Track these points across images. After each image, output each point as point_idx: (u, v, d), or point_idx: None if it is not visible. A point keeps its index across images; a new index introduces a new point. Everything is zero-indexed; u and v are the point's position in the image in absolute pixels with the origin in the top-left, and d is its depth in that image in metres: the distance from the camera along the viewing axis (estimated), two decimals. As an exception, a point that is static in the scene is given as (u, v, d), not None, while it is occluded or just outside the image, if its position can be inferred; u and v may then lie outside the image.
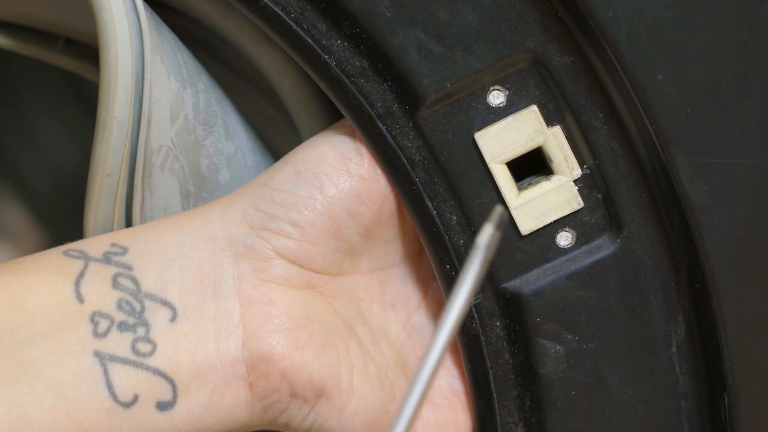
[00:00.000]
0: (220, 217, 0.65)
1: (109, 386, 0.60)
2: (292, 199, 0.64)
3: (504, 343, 0.65)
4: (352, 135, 0.64)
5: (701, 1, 0.60)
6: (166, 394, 0.61)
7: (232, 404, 0.63)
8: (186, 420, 0.62)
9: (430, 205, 0.64)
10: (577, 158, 0.63)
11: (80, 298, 0.62)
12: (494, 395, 0.65)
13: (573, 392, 0.65)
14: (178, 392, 0.62)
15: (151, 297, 0.62)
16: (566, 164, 0.63)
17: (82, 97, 1.10)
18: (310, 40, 0.62)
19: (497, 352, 0.65)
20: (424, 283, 0.68)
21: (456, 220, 0.64)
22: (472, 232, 0.64)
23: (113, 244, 0.64)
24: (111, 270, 0.63)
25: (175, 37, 0.69)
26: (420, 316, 0.68)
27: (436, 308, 0.68)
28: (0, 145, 1.13)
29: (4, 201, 1.14)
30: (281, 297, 0.64)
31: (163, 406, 0.61)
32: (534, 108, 0.62)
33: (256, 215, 0.64)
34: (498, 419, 0.65)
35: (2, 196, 1.14)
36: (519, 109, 0.62)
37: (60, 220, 1.14)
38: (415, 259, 0.68)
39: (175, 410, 0.62)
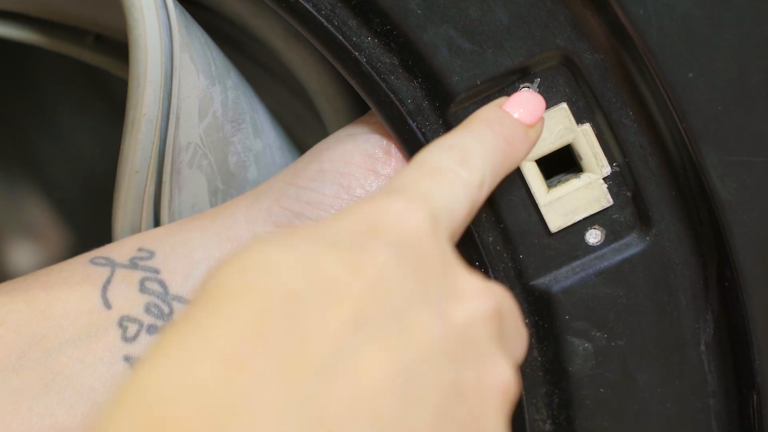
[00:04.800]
0: (245, 216, 0.64)
1: None
2: (319, 197, 0.63)
3: (533, 340, 0.65)
4: (379, 132, 0.64)
5: (731, -2, 0.60)
6: None
7: None
8: None
9: (459, 202, 0.64)
10: (606, 156, 0.63)
11: (107, 305, 0.62)
12: (522, 392, 0.65)
13: (601, 390, 0.65)
14: None
15: (179, 299, 0.62)
16: (596, 162, 0.63)
17: (108, 95, 1.11)
18: (340, 37, 0.62)
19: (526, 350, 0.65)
20: None
21: (485, 217, 0.64)
22: (502, 229, 0.64)
23: (140, 249, 0.64)
24: (138, 275, 0.63)
25: (205, 35, 0.69)
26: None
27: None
28: (26, 143, 1.13)
29: (29, 198, 1.14)
30: None
31: None
32: (564, 105, 0.62)
33: (282, 213, 0.64)
34: (526, 416, 0.65)
35: (28, 193, 1.14)
36: (549, 107, 0.62)
37: (85, 217, 1.14)
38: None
39: None
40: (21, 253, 1.13)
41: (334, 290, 0.44)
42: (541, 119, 0.61)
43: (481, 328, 0.47)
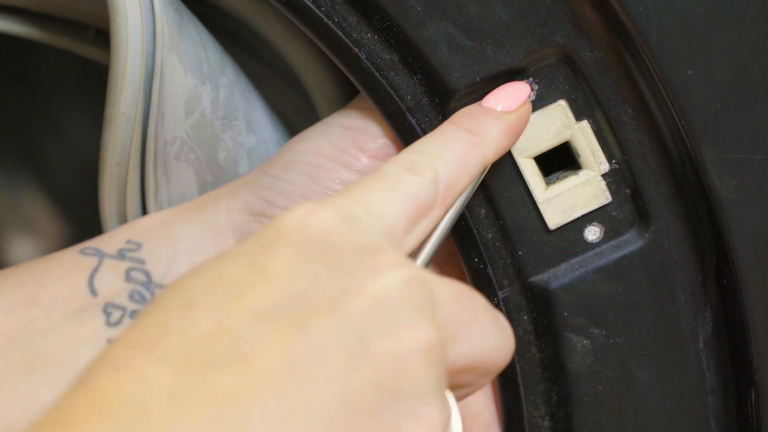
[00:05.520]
0: (226, 206, 0.66)
1: None
2: (289, 187, 0.64)
3: (531, 337, 0.65)
4: (353, 127, 0.64)
5: (731, -4, 0.60)
6: None
7: None
8: None
9: (458, 198, 0.64)
10: (605, 153, 0.63)
11: (93, 292, 0.64)
12: (521, 389, 0.65)
13: (600, 387, 0.65)
14: None
15: (161, 286, 0.64)
16: (594, 159, 0.63)
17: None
18: (340, 33, 0.62)
19: (524, 346, 0.65)
20: (447, 274, 0.68)
21: (484, 213, 0.64)
22: (500, 225, 0.64)
23: (128, 241, 0.66)
24: (125, 265, 0.65)
25: (202, 32, 0.69)
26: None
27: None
28: (25, 136, 1.13)
29: (29, 192, 1.14)
30: None
31: None
32: (562, 102, 0.62)
33: (256, 203, 0.65)
34: (525, 413, 0.65)
35: (27, 186, 1.14)
36: (547, 104, 0.62)
37: (84, 212, 1.14)
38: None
39: None
40: (20, 248, 1.13)
41: (232, 290, 0.46)
42: (525, 103, 0.61)
43: (396, 297, 0.47)
